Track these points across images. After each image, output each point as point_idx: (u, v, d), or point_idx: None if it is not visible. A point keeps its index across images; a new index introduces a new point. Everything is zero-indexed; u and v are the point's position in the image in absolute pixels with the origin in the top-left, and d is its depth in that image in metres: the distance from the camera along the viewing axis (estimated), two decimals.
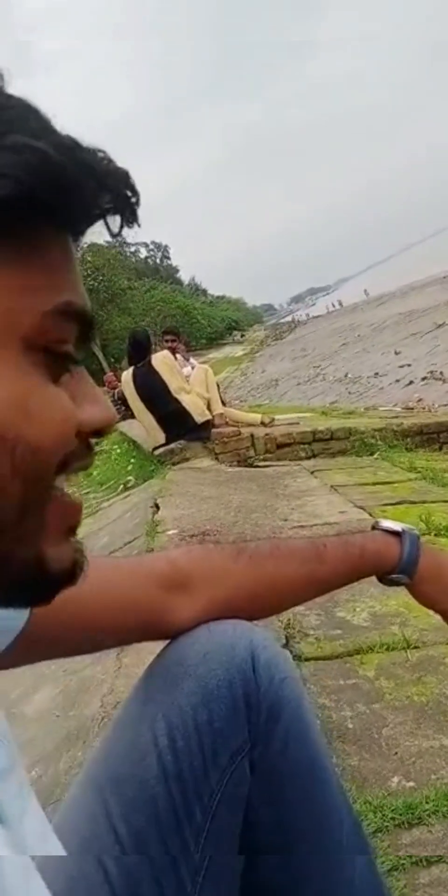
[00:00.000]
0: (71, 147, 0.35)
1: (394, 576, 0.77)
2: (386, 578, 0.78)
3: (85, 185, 0.36)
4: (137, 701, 0.65)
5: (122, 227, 0.40)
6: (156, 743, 0.60)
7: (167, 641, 0.68)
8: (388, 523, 0.80)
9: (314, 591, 0.77)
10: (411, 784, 1.29)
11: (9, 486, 0.35)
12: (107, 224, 0.39)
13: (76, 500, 0.41)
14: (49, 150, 0.33)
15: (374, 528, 0.81)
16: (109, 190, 0.37)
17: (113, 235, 0.40)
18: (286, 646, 1.90)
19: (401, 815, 1.19)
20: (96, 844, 0.57)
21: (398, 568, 0.77)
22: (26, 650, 0.59)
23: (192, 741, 0.60)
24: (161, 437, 5.64)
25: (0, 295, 0.34)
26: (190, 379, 5.91)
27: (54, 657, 0.68)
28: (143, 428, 5.91)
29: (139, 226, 0.40)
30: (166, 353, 5.81)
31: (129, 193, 0.39)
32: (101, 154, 0.37)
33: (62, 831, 0.59)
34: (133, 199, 0.39)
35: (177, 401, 5.47)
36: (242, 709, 0.62)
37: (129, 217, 0.39)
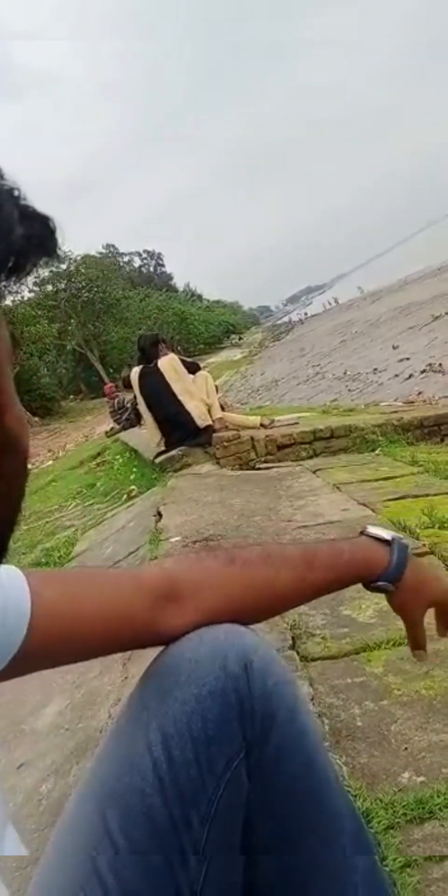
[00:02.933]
0: None
1: (379, 583, 0.79)
2: (371, 585, 0.80)
3: None
4: (132, 712, 0.65)
5: (31, 269, 0.38)
6: (151, 753, 0.60)
7: (161, 648, 0.68)
8: (377, 531, 0.82)
9: (304, 596, 0.78)
10: (422, 779, 1.28)
11: None
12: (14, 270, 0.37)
13: None
14: None
15: (362, 533, 0.83)
16: (9, 251, 0.35)
17: (22, 276, 0.38)
18: (293, 647, 1.90)
19: (412, 810, 1.18)
20: (95, 856, 0.57)
21: (385, 576, 0.78)
22: (25, 662, 0.60)
23: (188, 750, 0.60)
24: (158, 437, 5.79)
25: None
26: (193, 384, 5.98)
27: (52, 667, 0.69)
28: (147, 430, 6.05)
29: (58, 261, 0.39)
30: (173, 356, 5.88)
31: (31, 240, 0.36)
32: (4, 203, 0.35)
33: (61, 845, 0.59)
34: (39, 242, 0.37)
35: (180, 404, 5.57)
36: (236, 715, 0.61)
37: (36, 257, 0.37)
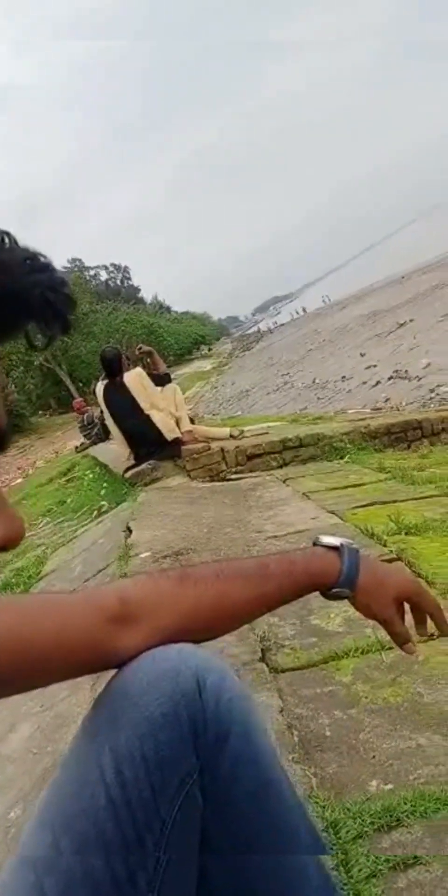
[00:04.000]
0: None
1: (335, 590, 0.80)
2: (328, 593, 0.80)
3: (6, 316, 0.35)
4: (84, 737, 0.64)
5: (49, 342, 0.39)
6: (103, 777, 0.59)
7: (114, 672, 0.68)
8: (327, 539, 0.82)
9: (258, 610, 0.79)
10: (389, 786, 1.30)
11: None
12: (28, 339, 0.38)
13: None
14: None
15: (315, 543, 0.83)
16: (31, 315, 0.37)
17: (34, 347, 0.39)
18: (262, 658, 1.91)
19: (380, 818, 1.19)
20: (49, 883, 0.56)
21: (338, 583, 0.79)
22: None
23: (140, 772, 0.59)
24: (127, 452, 5.78)
25: None
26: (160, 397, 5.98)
27: (8, 695, 0.68)
28: (116, 444, 6.05)
29: (70, 334, 0.40)
30: (139, 370, 5.87)
31: (57, 309, 0.38)
32: (28, 272, 0.36)
33: (16, 876, 0.58)
34: (61, 313, 0.38)
35: (147, 417, 5.57)
36: (189, 734, 0.61)
37: (58, 330, 0.39)
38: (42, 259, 0.38)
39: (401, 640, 0.85)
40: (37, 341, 0.39)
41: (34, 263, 0.37)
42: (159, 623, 0.69)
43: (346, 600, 0.83)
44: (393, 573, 0.84)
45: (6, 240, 0.37)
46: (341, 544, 0.81)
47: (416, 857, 1.08)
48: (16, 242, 0.37)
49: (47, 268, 0.38)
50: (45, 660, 0.64)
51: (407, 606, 0.86)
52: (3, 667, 0.61)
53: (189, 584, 0.72)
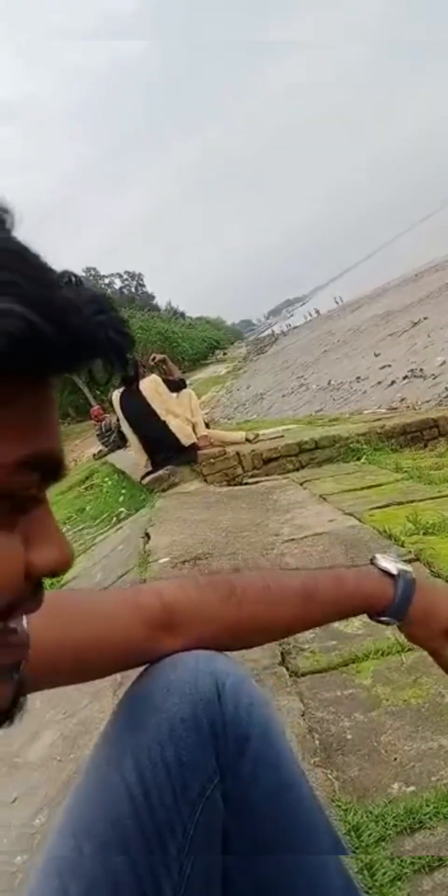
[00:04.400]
0: (62, 310, 0.35)
1: (384, 618, 0.78)
2: (375, 618, 0.78)
3: (71, 353, 0.36)
4: (105, 743, 0.65)
5: (108, 380, 0.41)
6: (125, 784, 0.60)
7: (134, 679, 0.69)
8: (384, 563, 0.79)
9: (301, 628, 0.79)
10: (412, 788, 1.29)
11: None
12: (91, 373, 0.40)
13: (21, 639, 0.42)
14: (35, 319, 0.33)
15: (372, 561, 0.80)
16: (97, 354, 0.38)
17: (96, 384, 0.41)
18: (282, 663, 1.91)
19: (402, 821, 1.19)
20: (73, 888, 0.57)
21: (389, 611, 0.77)
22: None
23: (161, 778, 0.60)
24: (144, 458, 5.79)
25: None
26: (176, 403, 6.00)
27: (41, 689, 0.70)
28: (133, 451, 6.04)
29: (129, 375, 0.41)
30: (155, 377, 5.90)
31: (121, 349, 0.39)
32: (96, 313, 0.37)
33: (41, 882, 0.59)
34: (123, 352, 0.39)
35: (164, 424, 5.59)
36: (209, 739, 0.62)
37: (119, 368, 0.40)
38: (105, 301, 0.39)
39: (447, 666, 0.82)
40: (98, 377, 0.41)
41: (100, 304, 0.38)
42: (201, 634, 0.70)
43: None
44: (445, 603, 0.79)
45: (73, 279, 0.38)
46: (398, 572, 0.78)
47: (440, 858, 1.08)
48: (81, 283, 0.39)
49: (111, 309, 0.39)
50: (92, 660, 0.68)
51: None
52: (55, 664, 0.64)
53: (234, 602, 0.72)
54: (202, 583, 0.74)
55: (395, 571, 0.78)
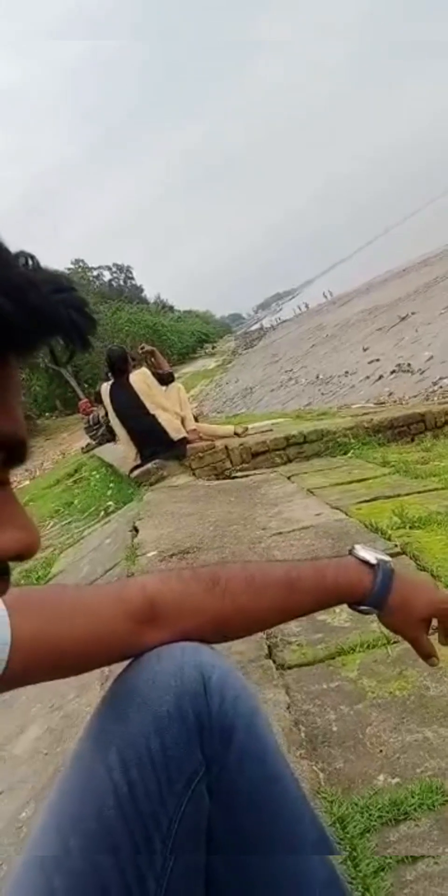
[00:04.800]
0: (18, 287, 0.35)
1: (363, 607, 0.79)
2: (355, 607, 0.80)
3: (30, 330, 0.36)
4: (90, 737, 0.65)
5: (70, 358, 0.41)
6: (111, 776, 0.60)
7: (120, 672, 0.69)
8: (363, 553, 0.80)
9: (284, 619, 0.79)
10: (397, 780, 1.30)
11: None
12: (52, 353, 0.40)
13: None
14: None
15: (350, 552, 0.82)
16: (57, 331, 0.38)
17: (58, 364, 0.41)
18: (269, 655, 1.91)
19: (387, 812, 1.20)
20: (58, 882, 0.57)
21: (368, 600, 0.78)
22: (4, 684, 0.63)
23: (146, 771, 0.60)
24: (133, 452, 5.77)
25: None
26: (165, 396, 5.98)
27: (29, 684, 0.70)
28: (122, 444, 6.02)
29: (91, 350, 0.42)
30: (145, 370, 5.88)
31: (81, 328, 0.40)
32: (55, 292, 0.38)
33: (26, 876, 0.59)
34: (84, 332, 0.40)
35: (153, 417, 5.57)
36: (195, 732, 0.62)
37: (79, 347, 0.40)
38: (65, 280, 0.40)
39: (425, 655, 0.84)
40: (59, 355, 0.41)
41: (58, 283, 0.39)
42: (184, 626, 0.70)
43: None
44: (422, 592, 0.81)
45: (30, 262, 0.39)
46: (377, 562, 0.79)
47: (423, 850, 1.09)
48: (39, 264, 0.39)
49: (71, 288, 0.40)
50: (74, 655, 0.67)
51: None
52: (29, 665, 0.64)
53: (218, 592, 0.72)
54: (185, 575, 0.75)
55: (373, 561, 0.79)
